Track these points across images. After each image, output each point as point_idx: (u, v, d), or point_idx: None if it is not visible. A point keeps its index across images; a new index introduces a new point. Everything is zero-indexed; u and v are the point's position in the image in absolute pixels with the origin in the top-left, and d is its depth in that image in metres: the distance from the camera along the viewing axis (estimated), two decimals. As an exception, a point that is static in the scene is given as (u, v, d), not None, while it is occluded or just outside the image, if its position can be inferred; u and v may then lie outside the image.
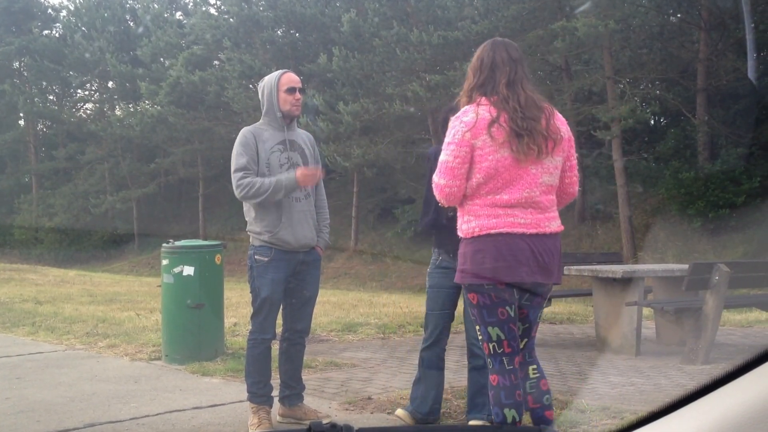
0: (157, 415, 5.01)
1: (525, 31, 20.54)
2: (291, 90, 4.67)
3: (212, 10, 34.65)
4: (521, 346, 3.53)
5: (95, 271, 26.80)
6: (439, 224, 4.59)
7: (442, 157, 3.45)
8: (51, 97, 43.27)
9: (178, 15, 38.87)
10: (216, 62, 33.10)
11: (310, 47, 29.37)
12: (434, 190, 3.51)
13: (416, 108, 23.76)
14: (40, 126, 43.59)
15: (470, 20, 22.33)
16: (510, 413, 3.38)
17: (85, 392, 5.76)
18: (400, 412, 4.73)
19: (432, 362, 4.68)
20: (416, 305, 10.94)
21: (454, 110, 4.59)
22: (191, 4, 37.75)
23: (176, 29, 34.70)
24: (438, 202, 4.60)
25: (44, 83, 41.90)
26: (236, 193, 4.59)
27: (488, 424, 4.37)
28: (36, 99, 40.29)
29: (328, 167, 23.44)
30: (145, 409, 5.15)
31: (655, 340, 8.05)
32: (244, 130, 4.71)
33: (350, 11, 25.47)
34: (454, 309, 4.67)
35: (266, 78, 4.82)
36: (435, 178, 3.49)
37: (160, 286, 15.47)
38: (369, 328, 8.86)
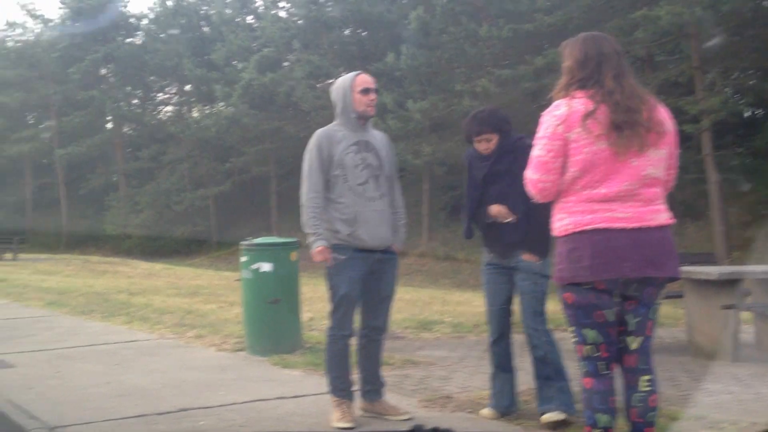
0: (243, 402, 5.31)
1: (602, 22, 19.96)
2: (365, 91, 4.72)
3: (282, 13, 35.31)
4: (635, 346, 3.43)
5: (178, 265, 27.68)
6: (472, 234, 4.78)
7: (534, 152, 3.42)
8: (135, 101, 44.95)
9: (250, 19, 39.64)
10: (286, 63, 33.70)
11: (378, 46, 29.54)
12: (527, 185, 3.49)
13: (486, 104, 23.69)
14: (125, 128, 45.27)
15: (543, 12, 21.88)
16: (602, 418, 3.33)
17: (177, 379, 6.16)
18: (484, 411, 4.84)
19: (501, 356, 4.82)
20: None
21: (478, 116, 4.73)
22: (262, 7, 38.48)
23: (248, 33, 35.49)
24: (470, 210, 4.80)
25: (128, 88, 43.71)
26: (301, 202, 4.74)
27: (563, 417, 4.45)
28: (121, 103, 41.92)
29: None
30: (232, 397, 5.47)
31: (755, 345, 7.39)
32: (318, 133, 4.78)
33: (417, 8, 25.33)
34: (510, 303, 4.78)
35: (340, 79, 4.90)
36: (528, 173, 3.45)
37: (237, 280, 15.99)
38: (444, 326, 8.90)
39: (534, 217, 4.42)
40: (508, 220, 4.59)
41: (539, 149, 3.39)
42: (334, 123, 4.83)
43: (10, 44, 46.61)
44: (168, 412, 5.08)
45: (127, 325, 9.39)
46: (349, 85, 4.77)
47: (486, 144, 4.69)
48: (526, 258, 4.60)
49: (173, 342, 8.10)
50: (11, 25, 48.02)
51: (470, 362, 6.87)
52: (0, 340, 8.15)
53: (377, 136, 4.92)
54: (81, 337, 8.40)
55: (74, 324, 9.59)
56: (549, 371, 4.59)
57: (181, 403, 5.31)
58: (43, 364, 6.87)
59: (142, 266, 22.86)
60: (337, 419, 4.64)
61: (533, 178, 3.43)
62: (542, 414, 4.54)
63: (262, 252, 7.15)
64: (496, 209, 4.62)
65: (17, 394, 5.62)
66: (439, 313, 10.08)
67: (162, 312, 10.13)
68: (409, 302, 11.54)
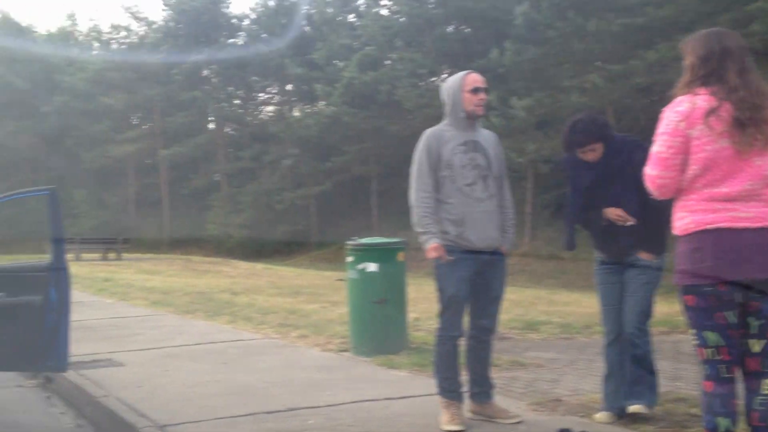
0: (351, 403, 5.28)
1: (716, 15, 19.37)
2: (475, 90, 4.68)
3: (383, 11, 35.41)
4: (757, 349, 3.34)
5: (279, 265, 28.13)
6: (574, 246, 4.77)
7: (654, 148, 3.37)
8: (236, 102, 45.90)
9: (351, 17, 39.97)
10: (387, 62, 33.79)
11: (481, 43, 29.35)
12: (646, 181, 3.43)
13: (594, 100, 23.19)
14: (227, 128, 46.35)
15: (654, 5, 21.45)
16: (723, 422, 3.26)
17: (284, 378, 6.17)
18: (598, 415, 4.72)
19: (617, 357, 4.72)
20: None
21: (579, 127, 4.62)
22: (363, 6, 38.75)
23: (349, 31, 35.76)
24: (574, 219, 4.78)
25: (230, 88, 44.63)
26: (411, 202, 4.71)
27: (647, 412, 4.53)
28: (223, 104, 42.85)
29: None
30: (339, 397, 5.44)
31: None
32: (427, 133, 4.76)
33: (523, 3, 25.16)
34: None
35: (450, 79, 4.86)
36: (647, 169, 3.40)
37: (339, 280, 16.05)
38: (552, 327, 8.74)
39: (649, 216, 4.38)
40: (628, 223, 4.51)
41: (659, 145, 3.34)
42: (443, 123, 4.80)
43: (114, 47, 48.49)
44: (277, 411, 5.10)
45: (232, 324, 9.50)
46: (458, 84, 4.73)
47: (593, 153, 4.63)
48: (644, 256, 4.56)
49: (278, 342, 8.14)
50: (116, 27, 50.13)
51: (580, 364, 6.73)
52: (108, 339, 8.35)
53: (486, 136, 4.88)
54: (187, 336, 8.53)
55: (179, 323, 9.77)
56: (644, 370, 4.63)
57: (289, 402, 5.32)
58: (151, 362, 6.99)
59: (244, 266, 23.30)
60: (446, 421, 4.61)
61: (652, 174, 3.37)
62: (629, 406, 4.61)
63: (368, 252, 7.13)
64: (614, 213, 4.55)
65: (127, 392, 5.73)
66: (546, 313, 9.96)
67: (265, 312, 10.21)
68: (514, 302, 11.39)
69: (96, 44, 50.37)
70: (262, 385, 5.89)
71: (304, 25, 41.33)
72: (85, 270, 18.88)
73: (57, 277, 5.23)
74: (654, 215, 4.29)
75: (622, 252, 4.62)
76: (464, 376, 4.86)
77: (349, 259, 7.24)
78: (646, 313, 4.62)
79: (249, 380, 6.10)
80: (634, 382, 4.63)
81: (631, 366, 4.63)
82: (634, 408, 4.57)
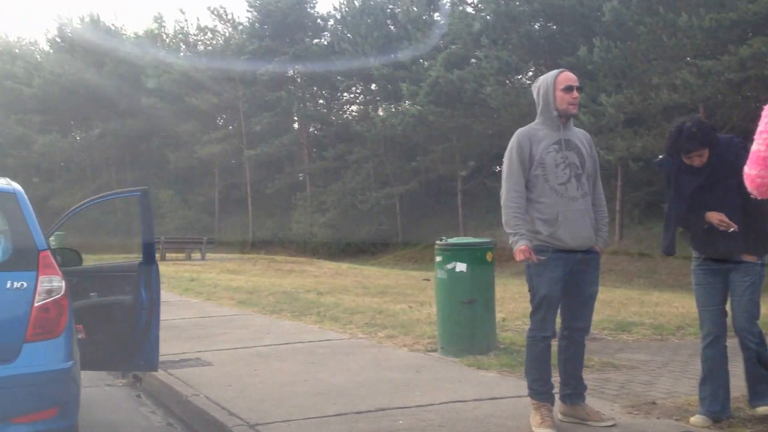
0: (441, 403, 5.26)
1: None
2: (568, 88, 4.64)
3: (469, 9, 35.20)
4: None
5: (364, 264, 28.28)
6: (674, 251, 4.70)
7: (753, 147, 3.31)
8: (320, 101, 46.34)
9: (436, 16, 39.87)
10: (473, 60, 33.56)
11: (569, 39, 28.90)
12: (745, 180, 3.37)
13: (685, 97, 22.56)
14: (311, 128, 46.82)
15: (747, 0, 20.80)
16: None
17: (372, 379, 6.18)
18: (695, 419, 4.63)
19: (716, 359, 4.64)
20: (694, 305, 10.40)
21: (686, 132, 4.51)
22: (448, 4, 38.56)
23: (434, 30, 35.66)
24: (676, 225, 4.69)
25: (314, 88, 45.06)
26: (502, 202, 4.68)
27: None
28: (308, 103, 43.30)
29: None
30: (428, 398, 5.42)
31: None
32: (519, 132, 4.74)
33: (611, -1, 24.78)
34: (725, 304, 4.67)
35: (542, 77, 4.83)
36: (746, 168, 3.35)
37: (426, 279, 15.95)
38: (644, 328, 8.54)
39: (752, 217, 4.35)
40: (731, 230, 4.43)
41: (758, 144, 3.27)
42: (535, 122, 4.78)
43: (201, 48, 49.49)
44: (367, 411, 5.12)
45: (318, 324, 9.55)
46: (551, 82, 4.70)
47: (699, 159, 4.58)
48: (747, 258, 4.49)
49: (365, 342, 8.15)
50: (202, 29, 51.13)
51: (674, 366, 6.60)
52: (195, 339, 8.47)
53: (579, 135, 4.84)
54: (274, 336, 8.60)
55: (266, 323, 9.86)
56: (761, 370, 4.55)
57: (378, 402, 5.34)
58: (239, 362, 7.07)
59: (328, 266, 23.47)
60: (537, 423, 4.60)
61: (751, 173, 3.32)
62: (755, 407, 4.57)
63: (457, 252, 7.09)
64: (716, 217, 4.48)
65: (216, 391, 5.80)
66: (638, 314, 9.73)
67: (352, 312, 10.24)
68: (604, 302, 11.18)
69: (182, 46, 51.49)
70: (351, 385, 5.92)
71: (389, 23, 41.38)
72: (170, 270, 19.28)
73: (147, 277, 5.31)
74: (756, 216, 4.27)
75: (724, 254, 4.55)
76: (555, 378, 4.81)
77: (438, 258, 7.22)
78: (754, 316, 4.53)
79: (338, 380, 6.13)
80: (755, 383, 4.59)
81: (750, 367, 4.58)
82: (762, 409, 4.53)
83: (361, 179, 40.40)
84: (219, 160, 46.63)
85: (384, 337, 8.31)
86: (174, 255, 28.13)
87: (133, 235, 35.10)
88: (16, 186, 4.43)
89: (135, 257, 5.62)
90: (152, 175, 46.52)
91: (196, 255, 29.20)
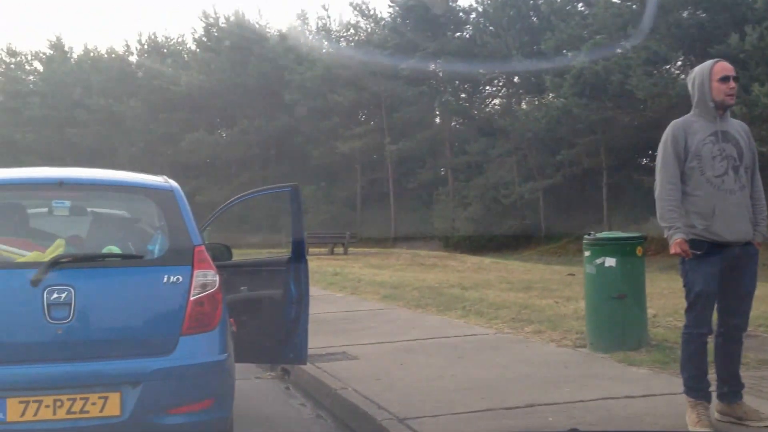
0: (591, 400, 5.20)
1: None
2: (725, 79, 4.56)
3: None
4: None
5: (506, 259, 28.03)
6: None
7: None
8: (462, 95, 46.16)
9: (580, 6, 38.96)
10: (619, 50, 32.58)
11: (719, 28, 27.61)
12: None
13: None
14: (453, 122, 46.67)
15: None
16: None
17: (520, 374, 6.17)
18: None
19: None
20: None
21: None
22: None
23: (579, 20, 34.87)
24: None
25: (456, 82, 44.89)
26: (656, 194, 4.61)
27: None
28: (450, 98, 43.25)
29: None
30: (578, 394, 5.37)
31: None
32: (673, 123, 4.67)
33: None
34: None
35: (697, 68, 4.76)
36: None
37: (570, 274, 15.64)
38: (803, 325, 8.11)
39: None
40: None
41: None
42: (691, 113, 4.75)
43: (343, 44, 50.18)
44: (515, 407, 5.12)
45: (464, 318, 9.57)
46: (707, 73, 4.63)
47: None
48: None
49: (512, 336, 8.12)
50: (345, 26, 51.81)
51: None
52: (341, 333, 8.64)
53: (737, 126, 4.75)
54: (420, 330, 8.68)
55: (411, 317, 9.97)
56: None
57: (527, 398, 5.32)
58: (385, 356, 7.18)
59: (471, 260, 23.39)
60: (693, 422, 4.51)
61: None
62: None
63: (606, 247, 6.99)
64: None
65: (364, 385, 5.93)
66: (795, 310, 9.14)
67: (497, 306, 10.21)
68: (759, 299, 10.57)
69: (325, 42, 52.24)
70: (499, 381, 5.93)
71: (532, 15, 40.67)
72: (313, 264, 19.47)
73: (297, 271, 5.36)
74: None
75: None
76: (711, 375, 4.70)
77: (587, 253, 7.14)
78: None
79: (485, 375, 6.15)
80: None
81: None
82: None
83: (504, 173, 40.02)
84: (361, 156, 46.97)
85: (531, 332, 8.25)
86: (317, 250, 28.67)
87: (276, 231, 36.19)
88: (174, 183, 4.54)
89: (278, 252, 5.71)
90: (295, 170, 47.33)
91: (339, 250, 29.63)
